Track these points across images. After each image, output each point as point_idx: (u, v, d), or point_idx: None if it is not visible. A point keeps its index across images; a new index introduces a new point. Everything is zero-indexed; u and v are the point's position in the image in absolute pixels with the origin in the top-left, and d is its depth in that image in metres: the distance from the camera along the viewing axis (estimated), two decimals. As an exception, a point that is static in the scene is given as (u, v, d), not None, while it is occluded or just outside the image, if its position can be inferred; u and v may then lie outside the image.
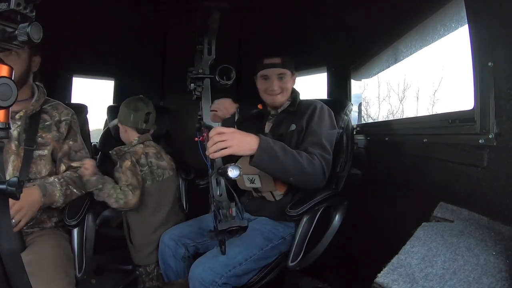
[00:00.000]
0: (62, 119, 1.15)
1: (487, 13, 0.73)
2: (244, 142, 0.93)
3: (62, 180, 1.06)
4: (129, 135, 1.36)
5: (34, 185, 1.00)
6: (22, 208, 0.92)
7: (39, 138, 1.09)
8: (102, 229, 1.37)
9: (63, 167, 1.13)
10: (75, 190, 1.08)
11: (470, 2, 0.79)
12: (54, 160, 1.13)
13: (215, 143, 0.86)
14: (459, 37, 1.00)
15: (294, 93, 1.24)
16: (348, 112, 1.38)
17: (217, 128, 0.89)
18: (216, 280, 0.92)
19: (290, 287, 1.24)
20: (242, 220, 0.79)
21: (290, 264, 1.01)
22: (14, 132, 1.03)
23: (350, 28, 1.63)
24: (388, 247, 0.61)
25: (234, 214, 0.77)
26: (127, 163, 1.28)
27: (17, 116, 1.06)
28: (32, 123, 1.08)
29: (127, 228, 1.33)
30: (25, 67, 1.05)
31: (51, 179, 1.05)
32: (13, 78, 1.02)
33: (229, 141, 0.88)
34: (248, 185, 1.13)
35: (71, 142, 1.16)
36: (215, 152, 0.86)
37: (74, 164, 1.14)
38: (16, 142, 1.03)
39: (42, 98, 1.12)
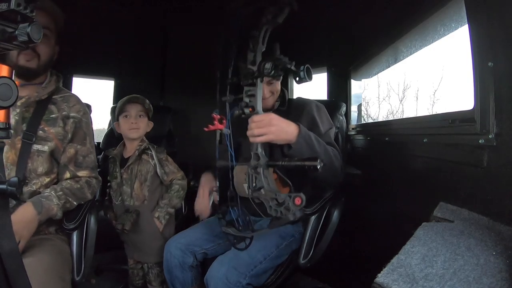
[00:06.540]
0: (71, 115, 1.03)
1: (487, 13, 0.73)
2: (283, 130, 0.91)
3: (61, 193, 0.95)
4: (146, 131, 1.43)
5: (28, 201, 0.89)
6: (15, 232, 0.80)
7: (40, 131, 0.97)
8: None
9: (67, 175, 1.02)
10: (74, 203, 0.99)
11: (470, 2, 0.79)
12: (54, 158, 1.02)
13: (261, 128, 0.85)
14: (459, 37, 1.00)
15: (282, 91, 1.23)
16: (342, 113, 1.48)
17: (271, 114, 0.88)
18: (241, 281, 0.91)
19: (290, 287, 1.24)
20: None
21: (302, 262, 1.03)
22: (11, 119, 0.91)
23: (350, 28, 1.63)
24: (388, 247, 0.61)
25: (303, 203, 0.73)
26: (167, 154, 1.40)
27: (18, 103, 0.94)
28: (36, 112, 0.97)
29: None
30: (52, 54, 1.02)
31: (47, 191, 0.94)
32: (39, 63, 1.02)
33: (273, 128, 0.87)
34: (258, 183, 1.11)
35: (78, 146, 1.04)
36: (258, 136, 0.85)
37: (80, 173, 1.04)
38: (12, 132, 0.94)
39: (53, 85, 1.02)
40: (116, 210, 1.36)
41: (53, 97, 1.03)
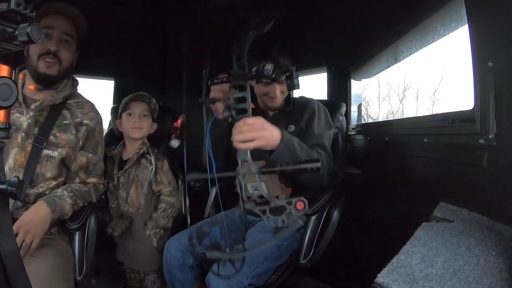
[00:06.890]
0: (84, 122, 1.03)
1: (487, 13, 0.73)
2: (273, 135, 0.86)
3: (71, 194, 0.97)
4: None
5: (41, 200, 0.90)
6: (28, 231, 0.83)
7: (52, 137, 0.96)
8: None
9: (77, 181, 1.04)
10: (81, 204, 1.01)
11: (470, 2, 0.79)
12: (64, 165, 1.02)
13: (253, 132, 0.78)
14: (459, 37, 1.00)
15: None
16: (342, 113, 1.47)
17: (261, 118, 0.82)
18: (243, 281, 0.90)
19: (290, 287, 1.24)
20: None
21: (302, 262, 1.03)
22: (24, 122, 0.93)
23: (350, 28, 1.62)
24: (388, 247, 0.61)
25: (306, 208, 0.68)
26: (166, 163, 1.33)
27: (32, 106, 0.95)
28: (49, 117, 0.97)
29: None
30: (72, 60, 1.03)
31: (59, 191, 0.96)
32: (60, 69, 1.02)
33: (266, 132, 0.82)
34: (252, 192, 1.08)
35: (90, 155, 1.05)
36: (247, 142, 0.77)
37: (89, 180, 1.06)
38: (23, 134, 0.93)
39: (68, 90, 1.02)
40: (112, 213, 1.34)
41: (68, 102, 1.03)
